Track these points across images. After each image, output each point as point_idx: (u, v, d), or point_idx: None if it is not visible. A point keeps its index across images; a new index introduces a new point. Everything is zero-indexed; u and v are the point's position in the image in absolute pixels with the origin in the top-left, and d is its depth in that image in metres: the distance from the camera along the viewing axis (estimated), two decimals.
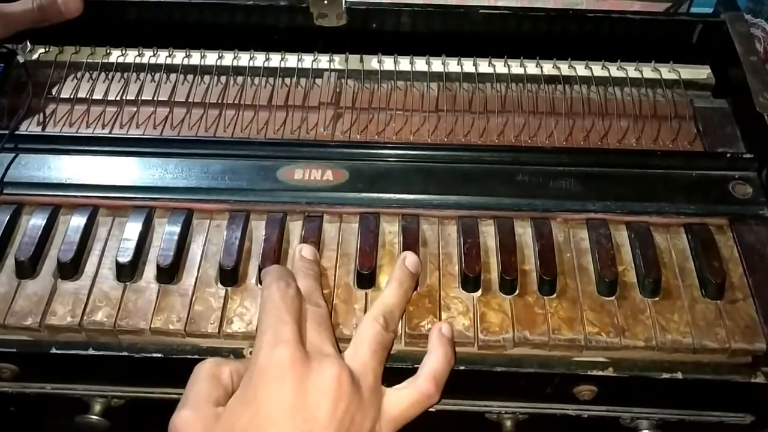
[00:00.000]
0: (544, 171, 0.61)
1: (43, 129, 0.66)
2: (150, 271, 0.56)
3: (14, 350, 0.55)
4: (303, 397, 0.43)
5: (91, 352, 0.54)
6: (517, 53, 0.71)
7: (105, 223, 0.59)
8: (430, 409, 0.59)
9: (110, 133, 0.66)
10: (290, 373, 0.44)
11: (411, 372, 0.54)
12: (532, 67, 0.71)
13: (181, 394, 0.47)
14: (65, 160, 0.62)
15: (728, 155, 0.63)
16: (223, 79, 0.71)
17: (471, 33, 0.73)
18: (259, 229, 0.58)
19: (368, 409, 0.45)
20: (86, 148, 0.62)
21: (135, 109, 0.68)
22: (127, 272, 0.56)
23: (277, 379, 0.44)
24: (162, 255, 0.56)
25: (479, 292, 0.55)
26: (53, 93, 0.69)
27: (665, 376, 0.54)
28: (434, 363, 0.49)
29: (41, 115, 0.68)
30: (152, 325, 0.53)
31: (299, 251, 0.55)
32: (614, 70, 0.71)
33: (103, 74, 0.71)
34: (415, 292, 0.55)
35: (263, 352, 0.45)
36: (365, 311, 0.54)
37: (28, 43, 0.72)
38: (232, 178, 0.60)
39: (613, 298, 0.55)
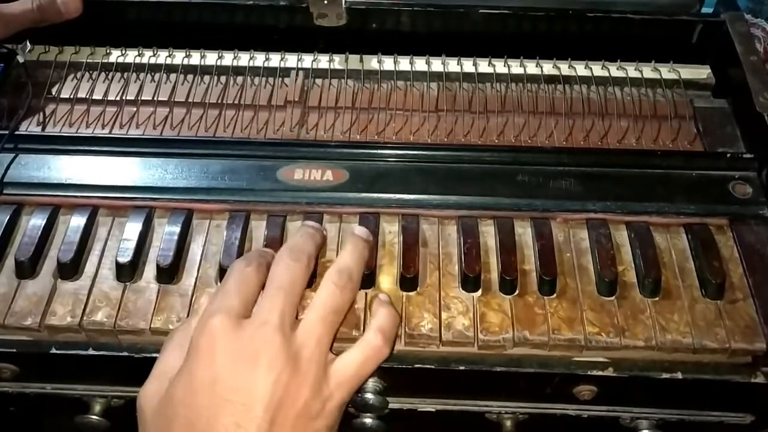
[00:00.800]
0: (544, 171, 0.61)
1: (43, 129, 0.66)
2: (150, 272, 0.56)
3: (14, 350, 0.55)
4: (232, 367, 0.42)
5: (91, 352, 0.54)
6: (517, 53, 0.71)
7: (105, 223, 0.59)
8: (430, 409, 0.59)
9: (110, 133, 0.66)
10: (219, 343, 0.43)
11: (411, 372, 0.54)
12: (532, 67, 0.71)
13: None
14: (65, 160, 0.62)
15: (728, 155, 0.63)
16: (223, 79, 0.71)
17: (471, 33, 0.73)
18: (259, 229, 0.58)
19: (304, 377, 0.43)
20: (86, 148, 0.62)
21: (135, 109, 0.68)
22: (127, 272, 0.56)
23: (207, 350, 0.43)
24: (162, 255, 0.56)
25: (479, 292, 0.55)
26: (53, 93, 0.69)
27: (665, 376, 0.54)
28: (379, 318, 0.49)
29: (41, 115, 0.68)
30: (152, 325, 0.53)
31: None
32: (614, 70, 0.71)
33: (103, 74, 0.71)
34: (414, 292, 0.55)
35: (200, 322, 0.45)
36: (365, 311, 0.54)
37: (28, 43, 0.72)
38: (232, 178, 0.60)
39: (613, 298, 0.55)
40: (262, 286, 0.48)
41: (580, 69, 0.71)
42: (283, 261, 0.49)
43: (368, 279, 0.55)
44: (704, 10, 0.75)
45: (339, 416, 0.46)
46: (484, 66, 0.71)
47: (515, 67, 0.71)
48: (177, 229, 0.57)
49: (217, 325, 0.44)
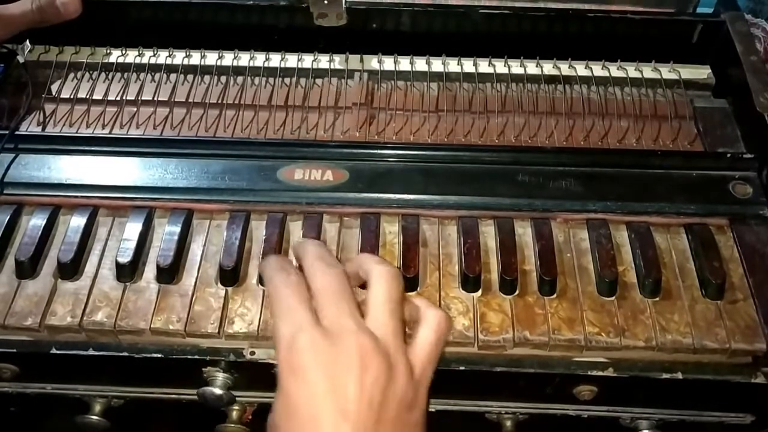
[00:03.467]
0: (544, 171, 0.61)
1: (43, 129, 0.66)
2: (150, 272, 0.56)
3: (14, 350, 0.55)
4: (330, 380, 0.42)
5: (91, 352, 0.54)
6: (517, 53, 0.71)
7: (105, 224, 0.59)
8: (430, 409, 0.59)
9: (110, 133, 0.66)
10: (313, 359, 0.43)
11: None
12: (532, 67, 0.71)
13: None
14: (65, 160, 0.62)
15: (728, 155, 0.63)
16: (223, 79, 0.71)
17: (471, 33, 0.73)
18: (259, 229, 0.58)
19: (397, 370, 0.43)
20: (86, 148, 0.62)
21: (135, 109, 0.68)
22: (127, 272, 0.56)
23: (303, 369, 0.43)
24: (162, 255, 0.56)
25: (479, 293, 0.55)
26: (53, 93, 0.69)
27: (665, 376, 0.54)
28: (421, 302, 0.48)
29: (41, 115, 0.68)
30: (152, 326, 0.53)
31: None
32: (614, 70, 0.71)
33: (103, 74, 0.71)
34: (415, 292, 0.55)
35: (283, 344, 0.44)
36: None
37: (28, 43, 0.72)
38: (232, 178, 0.60)
39: (613, 298, 0.55)
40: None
41: (581, 69, 0.71)
42: (320, 269, 0.48)
43: None
44: (704, 10, 0.74)
45: (428, 397, 0.45)
46: (484, 66, 0.71)
47: (515, 67, 0.71)
48: (177, 229, 0.57)
49: (304, 343, 0.43)
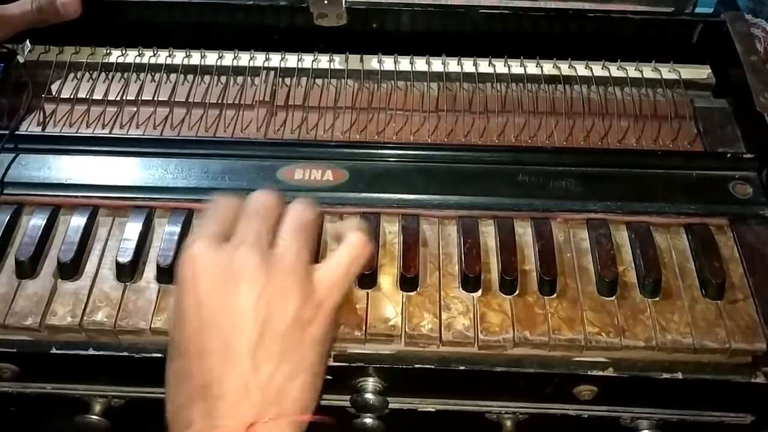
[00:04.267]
0: (545, 171, 0.61)
1: (43, 129, 0.66)
2: (150, 271, 0.56)
3: (14, 350, 0.55)
4: (214, 291, 0.43)
5: (91, 352, 0.54)
6: (517, 53, 0.71)
7: (105, 223, 0.59)
8: (430, 409, 0.59)
9: (110, 133, 0.66)
10: (200, 269, 0.43)
11: (412, 372, 0.54)
12: (532, 67, 0.71)
13: None
14: (65, 160, 0.62)
15: (728, 155, 0.63)
16: (223, 79, 0.71)
17: (471, 33, 0.73)
18: None
19: (291, 288, 0.43)
20: (86, 148, 0.62)
21: (135, 109, 0.68)
22: (127, 272, 0.56)
23: (190, 279, 0.43)
24: (162, 255, 0.56)
25: (479, 292, 0.55)
26: (53, 93, 0.69)
27: (665, 376, 0.54)
28: (352, 222, 0.49)
29: (41, 115, 0.68)
30: (152, 325, 0.53)
31: None
32: (614, 70, 0.71)
33: (103, 74, 0.71)
34: (415, 292, 0.55)
35: (182, 253, 0.45)
36: (367, 311, 0.54)
37: (28, 43, 0.72)
38: (232, 178, 0.60)
39: (613, 298, 0.55)
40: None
41: (581, 69, 0.71)
42: (258, 192, 0.49)
43: (369, 279, 0.55)
44: (704, 10, 0.74)
45: (332, 320, 0.45)
46: (484, 66, 0.71)
47: (515, 67, 0.71)
48: (177, 229, 0.57)
49: (196, 252, 0.44)
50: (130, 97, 0.69)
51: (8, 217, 0.58)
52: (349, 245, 0.47)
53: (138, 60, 0.71)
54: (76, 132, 0.66)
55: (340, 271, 0.46)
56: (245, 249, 0.44)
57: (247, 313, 0.42)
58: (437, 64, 0.71)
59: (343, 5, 0.70)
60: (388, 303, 0.55)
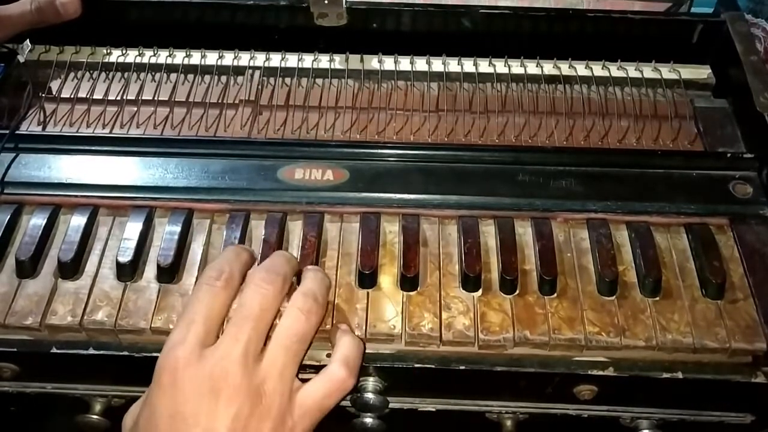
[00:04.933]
0: (545, 171, 0.61)
1: (44, 129, 0.66)
2: (150, 271, 0.56)
3: (15, 350, 0.54)
4: (192, 402, 0.42)
5: (91, 351, 0.54)
6: (518, 53, 0.71)
7: (105, 223, 0.59)
8: (430, 409, 0.59)
9: (110, 132, 0.66)
10: (180, 376, 0.43)
11: (412, 372, 0.54)
12: (532, 67, 0.71)
13: None
14: (65, 160, 0.62)
15: (729, 155, 0.63)
16: (223, 78, 0.71)
17: (471, 33, 0.73)
18: (259, 228, 0.58)
19: (268, 410, 0.43)
20: (86, 147, 0.62)
21: (135, 108, 0.68)
22: (128, 272, 0.56)
23: (169, 383, 0.43)
24: (162, 255, 0.56)
25: (479, 292, 0.55)
26: (53, 93, 0.69)
27: (665, 375, 0.54)
28: (343, 348, 0.48)
29: (41, 114, 0.68)
30: (153, 325, 0.53)
31: None
32: (614, 70, 0.71)
33: (103, 74, 0.71)
34: (415, 292, 0.55)
35: (163, 352, 0.44)
36: (367, 311, 0.54)
37: (29, 43, 0.72)
38: (232, 177, 0.60)
39: (613, 297, 0.55)
40: (231, 303, 0.47)
41: (581, 69, 0.71)
42: (255, 283, 0.47)
43: (369, 278, 0.55)
44: (704, 10, 0.75)
45: None
46: (484, 66, 0.71)
47: (516, 67, 0.71)
48: (177, 228, 0.57)
49: (179, 357, 0.43)
50: (131, 96, 0.69)
51: (8, 216, 0.58)
52: (331, 376, 0.46)
53: (138, 60, 0.71)
54: (77, 132, 0.66)
55: (318, 401, 0.46)
56: (228, 364, 0.43)
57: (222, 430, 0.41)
58: (437, 64, 0.71)
59: (344, 5, 0.70)
60: (389, 303, 0.55)
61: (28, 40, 0.72)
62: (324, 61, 0.71)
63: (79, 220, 0.58)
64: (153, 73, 0.71)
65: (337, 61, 0.71)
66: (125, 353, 0.54)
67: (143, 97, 0.69)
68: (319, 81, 0.71)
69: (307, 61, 0.71)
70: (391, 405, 0.56)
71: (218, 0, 0.73)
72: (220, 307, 0.46)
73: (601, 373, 0.54)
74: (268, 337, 0.46)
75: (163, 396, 0.43)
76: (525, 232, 0.59)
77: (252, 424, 0.42)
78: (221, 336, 0.45)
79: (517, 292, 0.55)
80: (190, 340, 0.44)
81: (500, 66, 0.71)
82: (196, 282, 0.55)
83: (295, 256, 0.55)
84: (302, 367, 0.48)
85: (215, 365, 0.43)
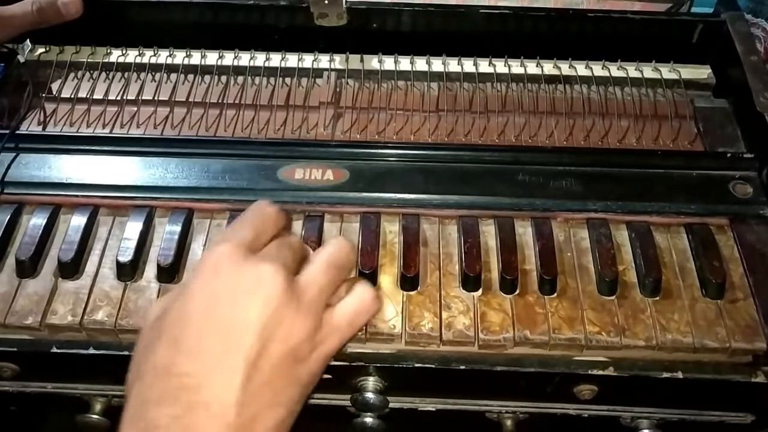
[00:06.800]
0: (545, 171, 0.61)
1: (44, 129, 0.66)
2: (150, 271, 0.56)
3: (15, 349, 0.54)
4: (230, 294, 0.42)
5: (91, 351, 0.54)
6: (518, 53, 0.71)
7: (105, 223, 0.59)
8: (430, 409, 0.59)
9: (111, 132, 0.66)
10: (222, 268, 0.42)
11: (412, 371, 0.54)
12: (532, 67, 0.71)
13: None
14: (66, 160, 0.62)
15: (729, 155, 0.63)
16: (223, 78, 0.71)
17: (471, 33, 0.73)
18: None
19: (302, 319, 0.42)
20: (87, 147, 0.62)
21: (135, 108, 0.68)
22: (128, 272, 0.56)
23: (210, 273, 0.42)
24: (162, 254, 0.56)
25: (480, 292, 0.55)
26: (54, 93, 0.69)
27: (666, 375, 0.54)
28: (363, 281, 0.48)
29: (42, 114, 0.68)
30: None
31: None
32: (615, 70, 0.71)
33: (103, 74, 0.71)
34: (415, 291, 0.55)
35: (210, 246, 0.44)
36: None
37: (29, 43, 0.72)
38: (232, 177, 0.60)
39: (613, 297, 0.55)
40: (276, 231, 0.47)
41: (581, 69, 0.71)
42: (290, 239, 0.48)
43: (369, 278, 0.55)
44: (705, 10, 0.75)
45: (323, 367, 0.45)
46: (484, 66, 0.71)
47: (516, 67, 0.71)
48: (178, 228, 0.57)
49: (224, 251, 0.43)
50: (131, 96, 0.69)
51: (9, 216, 0.58)
52: (360, 295, 0.46)
53: (138, 60, 0.71)
54: (77, 131, 0.66)
55: (348, 319, 0.45)
56: (272, 267, 0.43)
57: (254, 325, 0.41)
58: (437, 64, 0.71)
59: (344, 5, 0.70)
60: (389, 302, 0.55)
61: (28, 40, 0.72)
62: (324, 61, 0.71)
63: (79, 220, 0.58)
64: (153, 73, 0.71)
65: (337, 61, 0.72)
66: (125, 353, 0.54)
67: (143, 97, 0.69)
68: (319, 81, 0.71)
69: (307, 61, 0.71)
70: (391, 405, 0.56)
71: (218, 0, 0.73)
72: (271, 223, 0.47)
73: (601, 372, 0.54)
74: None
75: (201, 285, 0.42)
76: (525, 231, 0.59)
77: (285, 327, 0.41)
78: (264, 249, 0.45)
79: (517, 291, 0.55)
80: (238, 240, 0.44)
81: (500, 66, 0.71)
82: None
83: None
84: None
85: (258, 266, 0.43)
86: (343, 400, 0.57)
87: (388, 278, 0.56)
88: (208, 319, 0.41)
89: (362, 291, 0.46)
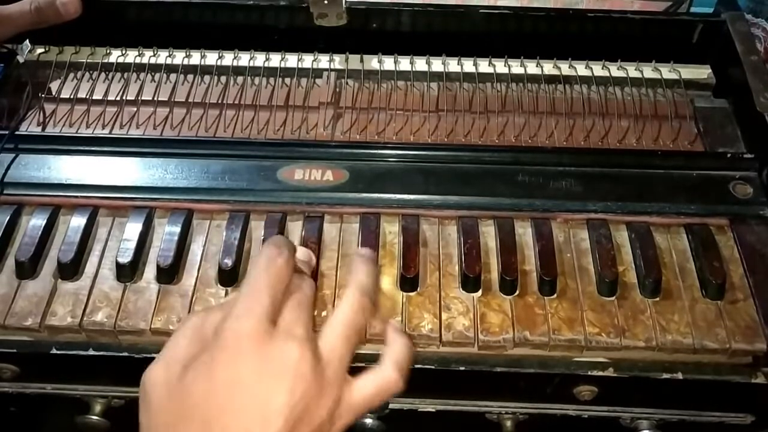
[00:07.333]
0: (545, 171, 0.61)
1: (43, 129, 0.66)
2: (150, 272, 0.56)
3: (14, 351, 0.55)
4: (257, 375, 0.41)
5: (91, 352, 0.54)
6: (518, 53, 0.71)
7: (105, 224, 0.59)
8: (430, 409, 0.59)
9: (110, 133, 0.66)
10: (249, 349, 0.42)
11: (412, 372, 0.54)
12: (532, 67, 0.71)
13: None
14: (65, 161, 0.62)
15: (729, 155, 0.63)
16: (223, 79, 0.71)
17: (471, 33, 0.73)
18: (258, 229, 0.58)
19: (326, 397, 0.42)
20: (86, 148, 0.62)
21: (135, 109, 0.68)
22: (127, 273, 0.56)
23: (233, 350, 0.42)
24: (162, 255, 0.56)
25: (479, 293, 0.55)
26: (53, 93, 0.69)
27: (665, 376, 0.54)
28: (396, 351, 0.47)
29: (41, 115, 0.67)
30: (152, 326, 0.53)
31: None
32: (614, 70, 0.71)
33: (103, 74, 0.71)
34: (415, 292, 0.55)
35: (229, 321, 0.43)
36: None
37: (28, 43, 0.72)
38: (232, 178, 0.60)
39: (613, 298, 0.55)
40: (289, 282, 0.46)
41: (581, 69, 0.71)
42: (300, 281, 0.47)
43: None
44: (705, 10, 0.75)
45: None
46: (484, 66, 0.71)
47: (515, 67, 0.71)
48: (177, 229, 0.57)
49: (246, 328, 0.42)
50: (130, 97, 0.69)
51: (8, 217, 0.58)
52: (385, 377, 0.45)
53: (138, 60, 0.71)
54: (76, 132, 0.66)
55: (367, 398, 0.45)
56: (297, 349, 0.42)
57: (283, 411, 0.41)
58: (437, 64, 0.71)
59: (343, 5, 0.70)
60: (388, 303, 0.55)
61: (27, 40, 0.71)
62: (324, 61, 0.71)
63: (78, 221, 0.58)
64: (153, 74, 0.71)
65: (337, 61, 0.71)
66: (125, 354, 0.54)
67: (143, 98, 0.68)
68: (319, 81, 0.71)
69: (307, 61, 0.71)
70: (391, 405, 0.56)
71: (218, 0, 0.73)
72: (284, 280, 0.46)
73: (601, 373, 0.54)
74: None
75: (225, 362, 0.41)
76: (525, 232, 0.59)
77: (311, 408, 0.42)
78: (279, 318, 0.44)
79: (517, 292, 0.55)
80: (258, 314, 0.43)
81: (500, 66, 0.71)
82: (195, 283, 0.55)
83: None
84: None
85: (284, 344, 0.42)
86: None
87: (387, 279, 0.56)
88: (235, 402, 0.41)
89: (387, 372, 0.46)
